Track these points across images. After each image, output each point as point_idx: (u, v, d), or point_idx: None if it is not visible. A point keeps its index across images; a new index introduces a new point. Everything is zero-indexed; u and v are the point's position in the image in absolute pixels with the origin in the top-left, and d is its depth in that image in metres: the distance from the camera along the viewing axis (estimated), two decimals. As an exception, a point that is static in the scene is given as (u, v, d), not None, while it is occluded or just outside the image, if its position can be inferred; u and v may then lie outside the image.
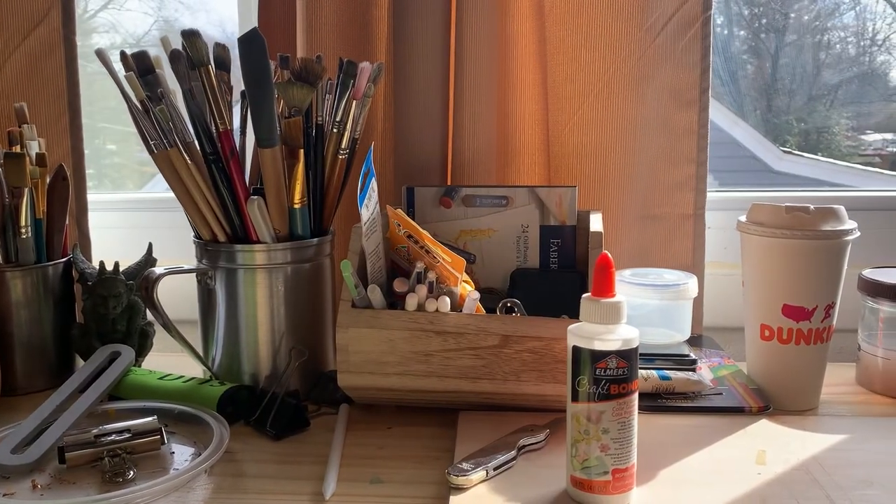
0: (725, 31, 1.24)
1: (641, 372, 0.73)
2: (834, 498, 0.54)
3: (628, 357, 0.52)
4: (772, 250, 0.70)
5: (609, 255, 0.53)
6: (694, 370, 0.75)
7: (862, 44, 1.22)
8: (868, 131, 1.25)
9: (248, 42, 0.66)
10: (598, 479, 0.53)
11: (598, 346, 0.52)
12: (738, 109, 1.26)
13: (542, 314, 0.67)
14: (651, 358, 0.76)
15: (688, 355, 0.76)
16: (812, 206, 0.69)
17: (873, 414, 0.71)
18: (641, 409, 0.69)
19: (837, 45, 1.24)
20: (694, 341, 0.87)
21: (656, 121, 0.87)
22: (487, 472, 0.57)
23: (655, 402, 0.71)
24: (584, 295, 0.54)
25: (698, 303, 0.90)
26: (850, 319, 0.79)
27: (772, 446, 0.63)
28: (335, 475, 0.60)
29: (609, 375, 0.52)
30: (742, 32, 1.25)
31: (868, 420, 0.69)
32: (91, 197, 0.95)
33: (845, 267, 0.71)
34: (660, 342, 0.79)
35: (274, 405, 0.70)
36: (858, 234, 0.70)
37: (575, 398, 0.53)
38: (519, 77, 0.87)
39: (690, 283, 0.78)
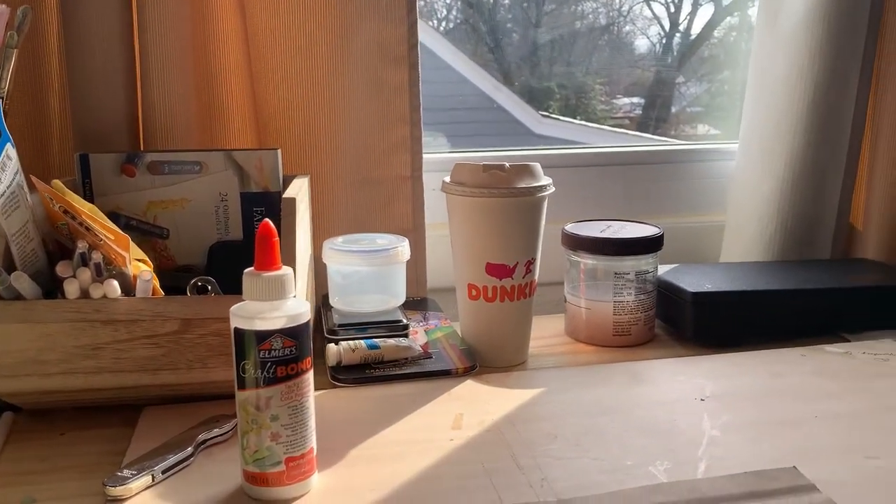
0: (492, 0, 1.24)
1: (349, 343, 0.69)
2: (517, 456, 0.54)
3: (296, 334, 0.48)
4: (472, 209, 0.69)
5: (271, 223, 0.48)
6: (406, 336, 0.73)
7: (611, 14, 1.28)
8: (619, 96, 1.32)
9: None
10: (272, 470, 0.48)
11: (261, 325, 0.47)
12: (505, 76, 1.28)
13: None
14: (364, 327, 0.73)
15: (400, 321, 0.74)
16: (508, 164, 0.69)
17: (578, 363, 0.74)
18: (348, 382, 0.67)
19: (590, 16, 1.29)
20: (418, 305, 0.86)
21: (366, 78, 0.82)
22: (154, 477, 0.51)
23: (363, 373, 0.68)
24: (246, 270, 0.48)
25: (421, 265, 0.89)
26: (559, 273, 0.81)
27: (471, 408, 0.62)
28: (-29, 502, 0.50)
29: (275, 357, 0.47)
30: (507, 1, 1.26)
31: (568, 371, 0.71)
32: None
33: (543, 222, 0.71)
34: (374, 309, 0.76)
35: None
36: (553, 189, 0.71)
37: (241, 385, 0.48)
38: (218, 25, 0.78)
39: (402, 247, 0.76)
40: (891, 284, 0.81)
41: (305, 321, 0.48)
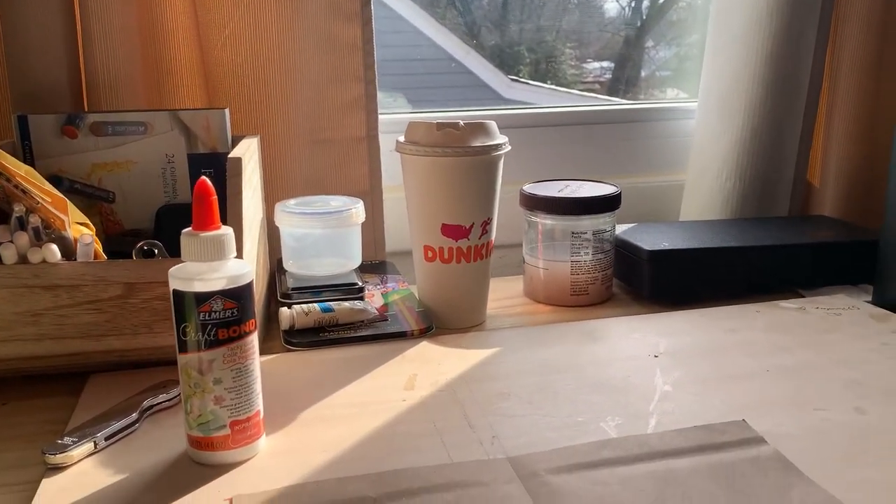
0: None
1: (303, 307, 0.68)
2: (469, 415, 0.54)
3: (238, 296, 0.46)
4: (426, 169, 0.68)
5: (207, 181, 0.46)
6: (361, 298, 0.72)
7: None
8: (589, 60, 1.30)
9: None
10: (217, 434, 0.47)
11: (200, 286, 0.45)
12: (474, 40, 1.26)
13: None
14: (318, 290, 0.72)
15: (355, 284, 0.73)
16: (462, 123, 0.68)
17: (536, 323, 0.73)
18: (302, 346, 0.66)
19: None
20: (376, 268, 0.85)
21: (317, 35, 0.80)
22: (96, 444, 0.49)
23: (317, 336, 0.67)
24: (184, 230, 0.47)
25: (379, 228, 0.88)
26: (519, 234, 0.81)
27: (425, 369, 0.61)
28: None
29: (216, 319, 0.46)
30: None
31: (523, 330, 0.70)
32: None
33: (499, 182, 0.70)
34: (330, 273, 0.74)
35: None
36: (509, 148, 0.70)
37: (183, 349, 0.47)
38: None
39: (356, 209, 0.74)
40: (846, 240, 0.82)
41: (247, 282, 0.47)
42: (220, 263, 0.46)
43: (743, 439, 0.50)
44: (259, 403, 0.49)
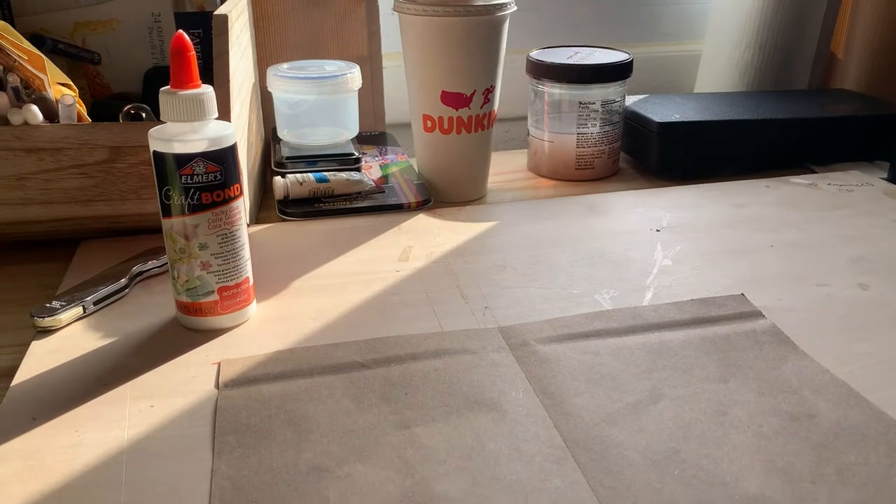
0: None
1: (297, 176, 0.66)
2: (463, 286, 0.53)
3: (221, 158, 0.44)
4: (425, 30, 0.64)
5: (185, 35, 0.43)
6: (358, 170, 0.70)
7: None
8: None
9: None
10: (205, 299, 0.47)
11: (180, 148, 0.43)
12: None
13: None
14: (314, 160, 0.70)
15: (352, 154, 0.71)
16: (460, -21, 0.63)
17: (539, 197, 0.71)
18: (297, 216, 0.64)
19: None
20: (375, 139, 0.82)
21: None
22: (85, 308, 0.49)
23: (312, 207, 0.65)
24: (162, 88, 0.44)
25: (378, 97, 0.84)
26: (525, 107, 0.78)
27: (420, 241, 0.60)
28: None
29: (198, 182, 0.44)
30: None
31: (523, 204, 0.68)
32: None
33: (503, 46, 0.66)
34: (325, 142, 0.72)
35: None
36: (514, 8, 0.66)
37: (166, 213, 0.45)
38: None
39: (352, 74, 0.71)
40: (863, 115, 0.78)
41: (230, 144, 0.45)
42: (201, 124, 0.44)
43: (740, 313, 0.49)
44: (248, 270, 0.48)
